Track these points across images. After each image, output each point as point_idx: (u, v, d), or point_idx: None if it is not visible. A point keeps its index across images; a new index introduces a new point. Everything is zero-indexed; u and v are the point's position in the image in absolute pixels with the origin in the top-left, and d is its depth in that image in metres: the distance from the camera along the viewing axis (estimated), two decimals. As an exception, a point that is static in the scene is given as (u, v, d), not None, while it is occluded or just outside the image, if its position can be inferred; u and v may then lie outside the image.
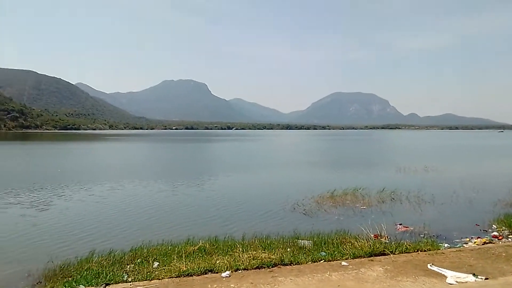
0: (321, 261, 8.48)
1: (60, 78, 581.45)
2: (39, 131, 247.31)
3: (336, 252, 8.94)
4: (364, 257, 8.73)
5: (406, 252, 9.12)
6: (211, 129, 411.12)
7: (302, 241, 9.93)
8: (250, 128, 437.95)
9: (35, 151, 60.02)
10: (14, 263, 9.63)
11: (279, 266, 8.15)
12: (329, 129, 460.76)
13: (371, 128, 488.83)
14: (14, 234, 12.23)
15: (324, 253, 8.90)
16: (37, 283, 8.34)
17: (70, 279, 7.93)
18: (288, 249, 9.21)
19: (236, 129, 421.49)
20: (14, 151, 58.99)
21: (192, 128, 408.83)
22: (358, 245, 9.31)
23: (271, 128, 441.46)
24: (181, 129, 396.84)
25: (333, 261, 8.51)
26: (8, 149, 63.17)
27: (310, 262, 8.40)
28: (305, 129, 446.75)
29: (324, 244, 9.70)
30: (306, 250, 9.23)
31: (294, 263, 8.31)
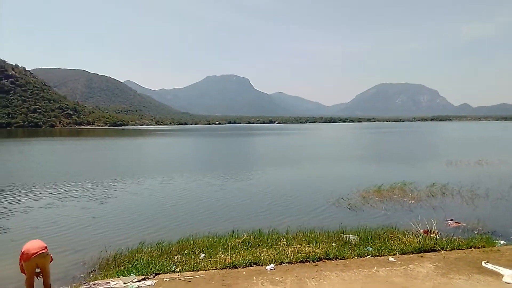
0: (367, 256, 8.32)
1: (109, 77, 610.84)
2: (91, 127, 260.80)
3: (383, 248, 8.73)
4: (413, 253, 8.46)
5: (458, 249, 8.73)
6: (253, 123, 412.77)
7: (348, 235, 9.77)
8: (292, 122, 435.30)
9: (90, 146, 63.38)
10: (72, 252, 10.27)
11: (324, 260, 8.09)
12: (374, 121, 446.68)
13: (419, 120, 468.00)
14: (73, 225, 13.02)
15: (370, 248, 8.72)
16: (91, 271, 8.85)
17: (122, 268, 8.32)
18: (333, 244, 9.10)
19: (278, 123, 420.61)
20: (72, 147, 62.61)
21: (234, 123, 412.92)
22: (407, 240, 9.03)
23: (314, 122, 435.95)
24: (224, 123, 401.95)
25: (380, 256, 8.33)
26: (67, 145, 67.17)
27: (356, 257, 8.28)
28: (349, 122, 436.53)
29: (370, 239, 9.49)
30: (352, 245, 9.08)
31: (339, 257, 8.23)
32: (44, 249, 6.89)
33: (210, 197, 17.63)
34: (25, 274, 6.90)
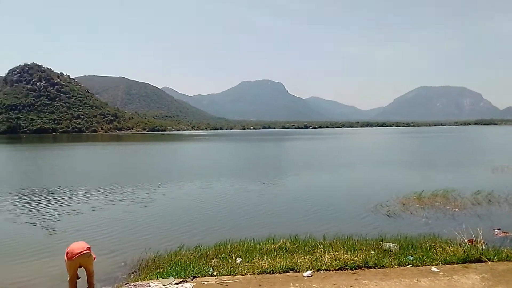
0: (408, 266, 8.06)
1: (148, 83, 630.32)
2: (130, 132, 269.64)
3: (425, 257, 8.41)
4: (457, 264, 8.10)
5: (507, 260, 8.27)
6: (288, 128, 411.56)
7: (387, 243, 9.49)
8: (327, 127, 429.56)
9: (131, 151, 65.60)
10: (114, 253, 10.64)
11: (362, 268, 7.91)
12: (413, 126, 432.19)
13: (461, 124, 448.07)
14: (116, 228, 13.50)
15: (411, 257, 8.43)
16: (132, 272, 9.13)
17: (161, 270, 8.52)
18: (372, 252, 8.87)
19: (313, 127, 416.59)
20: (114, 152, 65.08)
21: (269, 128, 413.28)
22: (450, 250, 8.66)
23: (350, 126, 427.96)
24: (259, 128, 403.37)
25: (421, 266, 8.04)
26: (109, 150, 69.89)
27: (396, 266, 8.03)
28: (387, 126, 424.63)
29: (411, 248, 9.18)
30: (392, 253, 8.81)
31: (378, 266, 8.01)
32: (87, 250, 7.21)
33: (247, 202, 17.72)
34: (68, 273, 7.25)
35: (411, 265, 8.09)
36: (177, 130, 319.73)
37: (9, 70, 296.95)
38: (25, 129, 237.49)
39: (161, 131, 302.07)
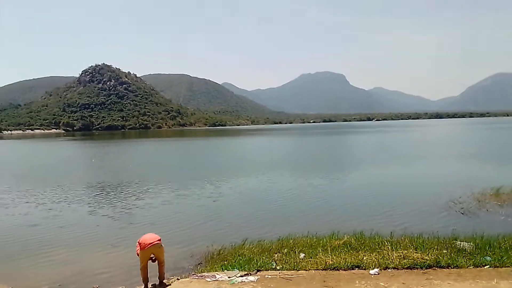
0: (485, 267, 7.51)
1: (209, 80, 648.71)
2: (192, 128, 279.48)
3: (504, 258, 7.78)
4: (543, 266, 7.37)
5: None
6: (349, 121, 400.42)
7: (461, 242, 8.89)
8: (392, 119, 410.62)
9: (196, 146, 68.12)
10: (182, 245, 11.16)
11: (434, 268, 7.51)
12: (489, 116, 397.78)
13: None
14: (184, 220, 14.13)
15: (489, 258, 7.83)
16: (198, 264, 9.52)
17: (225, 262, 8.78)
18: (444, 251, 8.37)
19: (376, 120, 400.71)
20: (179, 146, 68.02)
21: (329, 121, 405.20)
22: (534, 251, 7.91)
23: (417, 118, 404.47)
24: (319, 122, 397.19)
25: (501, 267, 7.45)
26: (174, 145, 73.20)
27: (471, 267, 7.51)
28: (459, 117, 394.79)
29: (488, 247, 8.53)
30: (466, 253, 8.26)
31: (452, 266, 7.55)
32: (158, 241, 7.62)
33: (310, 197, 17.63)
34: (140, 261, 7.72)
35: (488, 266, 7.53)
36: (237, 125, 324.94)
37: (82, 71, 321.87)
38: (97, 126, 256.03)
39: (221, 126, 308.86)
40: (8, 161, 45.09)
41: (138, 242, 7.69)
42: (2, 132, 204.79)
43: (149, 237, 7.65)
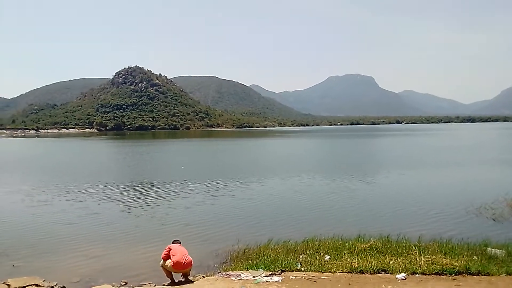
0: (518, 275, 7.23)
1: (237, 82, 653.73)
2: (220, 129, 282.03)
3: (539, 267, 7.47)
4: None
5: None
6: (378, 124, 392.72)
7: (492, 249, 8.63)
8: (422, 122, 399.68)
9: (224, 147, 68.73)
10: (208, 243, 11.32)
11: (463, 274, 7.32)
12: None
13: None
14: (211, 219, 14.27)
15: (523, 266, 7.54)
16: (224, 262, 9.62)
17: (250, 262, 8.84)
18: (475, 257, 8.15)
19: (406, 123, 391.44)
20: (209, 147, 68.81)
21: (357, 124, 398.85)
22: None
23: (449, 122, 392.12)
24: (346, 124, 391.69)
25: (535, 276, 7.15)
26: (204, 145, 74.11)
27: (504, 275, 7.28)
28: (493, 121, 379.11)
29: (521, 255, 8.21)
30: (498, 260, 8.01)
31: (482, 273, 7.34)
32: (189, 265, 7.85)
33: (336, 199, 17.50)
34: (165, 269, 7.94)
35: (521, 274, 7.25)
36: (264, 127, 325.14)
37: (116, 73, 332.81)
38: (128, 126, 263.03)
39: (249, 127, 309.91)
40: (45, 158, 46.74)
41: (167, 253, 7.85)
42: (39, 131, 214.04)
43: (181, 256, 7.72)
